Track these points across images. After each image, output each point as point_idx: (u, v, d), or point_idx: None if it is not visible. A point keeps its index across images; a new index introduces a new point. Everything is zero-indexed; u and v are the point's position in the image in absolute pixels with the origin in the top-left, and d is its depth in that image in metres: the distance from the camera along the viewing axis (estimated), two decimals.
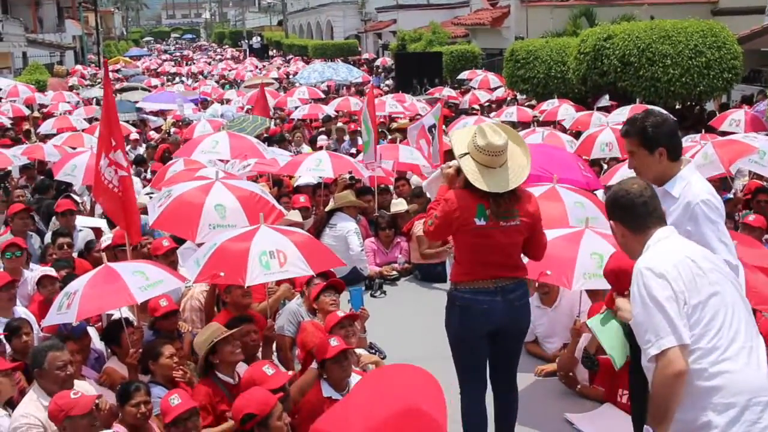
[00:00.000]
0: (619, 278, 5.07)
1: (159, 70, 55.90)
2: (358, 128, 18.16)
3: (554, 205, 7.84)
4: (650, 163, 4.80)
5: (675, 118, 5.78)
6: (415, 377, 2.10)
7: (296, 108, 24.41)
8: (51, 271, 7.67)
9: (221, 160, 12.25)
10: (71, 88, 35.82)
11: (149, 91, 31.46)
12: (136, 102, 26.02)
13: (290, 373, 5.71)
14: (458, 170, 5.42)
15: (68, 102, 27.20)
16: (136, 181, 12.99)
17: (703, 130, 13.46)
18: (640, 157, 4.84)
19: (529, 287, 7.83)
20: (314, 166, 11.52)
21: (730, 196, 11.23)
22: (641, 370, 4.01)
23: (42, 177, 13.73)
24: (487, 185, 5.20)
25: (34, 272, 8.02)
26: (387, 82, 37.70)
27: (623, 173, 9.65)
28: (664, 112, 5.49)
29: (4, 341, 6.30)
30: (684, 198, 4.69)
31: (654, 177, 4.77)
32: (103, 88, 8.17)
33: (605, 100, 20.27)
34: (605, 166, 13.24)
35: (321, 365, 5.79)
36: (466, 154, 5.30)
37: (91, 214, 11.84)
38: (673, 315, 3.69)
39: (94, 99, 29.10)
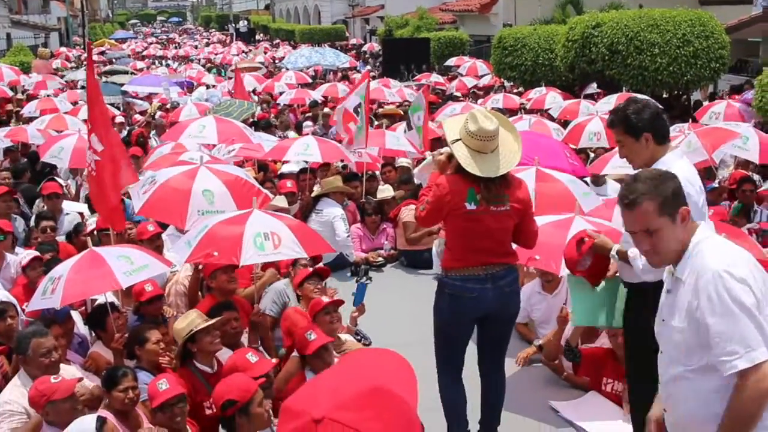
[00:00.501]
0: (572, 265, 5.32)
1: (144, 54, 55.51)
2: None
3: (553, 184, 7.93)
4: (638, 150, 4.85)
5: (659, 105, 5.78)
6: (387, 360, 2.07)
7: (282, 93, 24.34)
8: (35, 254, 7.60)
9: (207, 146, 12.17)
10: (56, 71, 35.53)
11: (135, 74, 31.24)
12: (122, 85, 25.84)
13: (273, 360, 5.68)
14: (450, 156, 5.46)
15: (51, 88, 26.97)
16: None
17: (690, 120, 13.52)
18: (628, 145, 4.89)
19: (521, 273, 7.95)
20: (302, 151, 11.49)
21: (715, 185, 11.28)
22: (646, 378, 3.96)
23: (24, 160, 13.62)
24: (479, 170, 5.25)
25: (18, 256, 7.95)
26: (367, 67, 37.54)
27: (615, 163, 9.75)
28: (647, 98, 5.52)
29: None
30: None
31: (644, 162, 4.82)
32: (87, 70, 8.05)
33: (592, 88, 20.30)
34: (592, 155, 13.26)
35: (302, 358, 5.79)
36: (458, 140, 5.34)
37: (76, 198, 11.77)
38: (764, 323, 3.35)
39: (79, 82, 28.88)
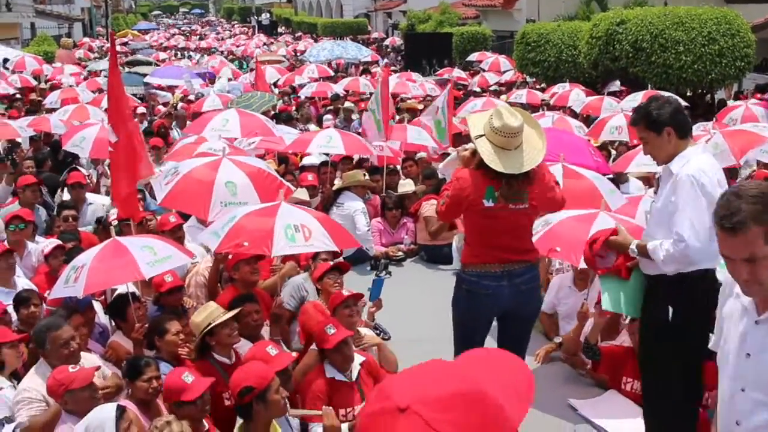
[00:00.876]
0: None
1: (166, 45, 55.71)
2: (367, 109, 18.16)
3: (580, 181, 7.88)
4: (661, 144, 4.90)
5: (681, 100, 5.84)
6: (503, 365, 2.01)
7: (303, 86, 24.35)
8: (57, 243, 7.64)
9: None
10: (79, 61, 35.73)
11: (158, 65, 31.35)
12: (144, 76, 25.93)
13: (294, 354, 5.67)
14: (474, 152, 5.44)
15: (72, 75, 27.13)
16: None
17: (715, 119, 13.42)
18: (651, 141, 4.95)
19: (542, 267, 7.92)
20: (325, 143, 11.52)
21: None
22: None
23: (47, 149, 13.70)
24: (503, 166, 5.23)
25: (39, 244, 8.01)
26: (385, 61, 37.50)
27: (639, 161, 9.74)
28: (670, 94, 5.57)
29: (10, 312, 6.28)
30: (678, 172, 4.77)
31: (668, 156, 4.90)
32: (109, 61, 8.08)
33: (615, 86, 20.19)
34: (614, 152, 13.21)
35: (322, 352, 5.78)
36: (482, 135, 5.33)
37: (96, 188, 11.83)
38: None
39: (102, 72, 29.03)
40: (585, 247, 5.41)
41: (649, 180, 10.41)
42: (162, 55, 40.98)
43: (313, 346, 6.19)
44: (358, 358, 5.91)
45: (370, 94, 22.22)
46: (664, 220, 4.86)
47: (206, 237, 6.77)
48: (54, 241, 7.68)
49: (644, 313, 5.23)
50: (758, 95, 19.19)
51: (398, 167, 12.32)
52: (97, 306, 6.88)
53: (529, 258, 5.52)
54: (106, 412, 4.48)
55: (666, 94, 15.49)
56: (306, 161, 12.90)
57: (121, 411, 4.46)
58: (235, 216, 6.57)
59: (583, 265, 6.54)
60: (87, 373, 4.94)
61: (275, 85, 25.50)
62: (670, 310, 4.94)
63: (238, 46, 49.78)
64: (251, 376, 4.68)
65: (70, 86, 23.03)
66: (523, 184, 5.31)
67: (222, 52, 47.03)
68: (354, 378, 5.79)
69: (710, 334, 5.02)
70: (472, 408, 1.85)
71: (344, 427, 5.39)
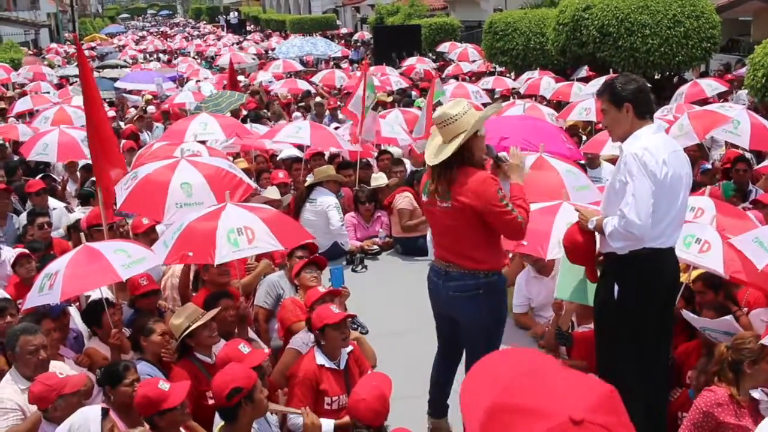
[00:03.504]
0: (575, 249, 5.30)
1: (135, 50, 55.23)
2: (339, 104, 18.16)
3: (548, 174, 7.88)
4: (618, 119, 5.00)
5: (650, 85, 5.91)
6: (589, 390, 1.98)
7: (270, 82, 24.30)
8: (21, 251, 7.58)
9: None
10: (48, 66, 35.38)
11: (128, 65, 31.10)
12: (115, 80, 25.70)
13: (266, 350, 5.66)
14: None
15: (49, 81, 26.87)
16: None
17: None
18: (611, 114, 5.05)
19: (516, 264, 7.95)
20: (293, 133, 11.58)
21: (708, 166, 11.27)
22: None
23: (16, 158, 13.58)
24: (426, 156, 5.28)
25: (10, 252, 7.92)
26: (367, 54, 37.44)
27: (612, 144, 9.81)
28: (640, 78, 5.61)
29: None
30: (626, 151, 4.87)
31: (623, 133, 5.01)
32: (78, 62, 8.06)
33: (583, 71, 20.29)
34: (584, 138, 13.33)
35: (321, 331, 5.73)
36: None
37: (63, 191, 11.78)
38: None
39: (71, 78, 28.76)
40: (570, 232, 5.38)
41: None
42: (131, 52, 40.64)
43: (291, 344, 6.20)
44: (347, 347, 5.95)
45: (341, 89, 22.28)
46: (613, 198, 4.95)
47: (158, 248, 6.71)
48: (18, 250, 7.61)
49: (596, 292, 5.34)
50: (727, 75, 19.39)
51: (371, 161, 12.32)
52: (74, 311, 6.83)
53: (465, 264, 5.21)
54: (90, 412, 4.42)
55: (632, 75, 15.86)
56: (282, 155, 12.90)
57: (105, 412, 4.42)
58: (183, 224, 6.50)
59: (551, 256, 6.61)
60: (79, 378, 4.93)
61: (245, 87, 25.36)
62: (616, 288, 5.02)
63: (208, 46, 49.38)
64: (238, 377, 4.67)
65: (46, 92, 22.84)
66: (443, 183, 5.12)
67: (190, 54, 46.65)
68: (342, 366, 5.82)
69: (665, 316, 5.12)
70: (619, 404, 1.87)
71: (329, 423, 5.42)
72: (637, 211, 4.69)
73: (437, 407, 5.84)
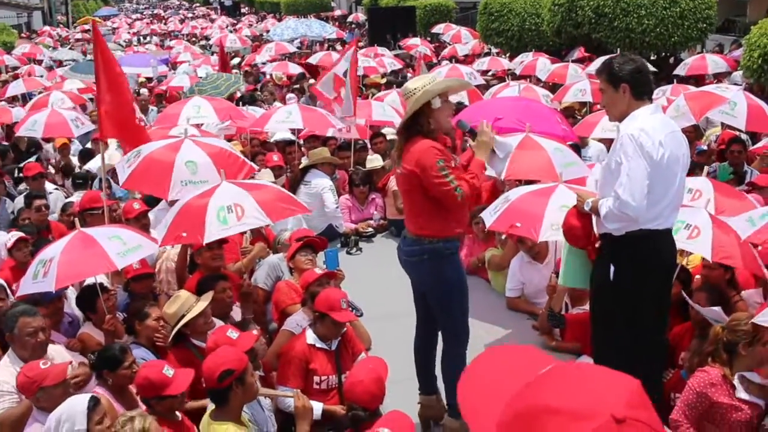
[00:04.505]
0: (573, 233, 5.30)
1: (137, 31, 54.92)
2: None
3: (537, 153, 7.89)
4: (616, 99, 5.00)
5: (649, 65, 5.88)
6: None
7: (264, 64, 24.17)
8: (20, 235, 7.54)
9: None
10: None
11: (122, 47, 30.89)
12: None
13: (255, 332, 5.64)
14: None
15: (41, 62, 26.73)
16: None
17: (675, 81, 13.61)
18: (608, 93, 5.06)
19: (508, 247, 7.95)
20: (284, 118, 11.50)
21: (704, 147, 11.25)
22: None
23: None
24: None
25: (2, 237, 7.89)
26: (357, 33, 37.27)
27: (605, 126, 9.88)
28: (640, 58, 5.58)
29: None
30: (623, 131, 4.86)
31: (620, 114, 5.00)
32: (96, 48, 8.10)
33: (576, 53, 20.26)
34: (580, 119, 13.28)
35: (321, 315, 5.75)
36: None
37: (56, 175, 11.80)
38: None
39: (66, 62, 28.57)
40: (569, 215, 5.38)
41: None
42: (125, 35, 40.45)
43: (285, 326, 6.20)
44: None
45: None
46: (609, 178, 4.94)
47: (160, 229, 6.69)
48: (16, 234, 7.58)
49: (592, 273, 5.35)
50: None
51: (366, 142, 12.28)
52: (71, 294, 6.81)
53: (413, 230, 5.43)
54: (77, 404, 4.36)
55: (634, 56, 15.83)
56: (278, 136, 12.85)
57: (94, 402, 4.36)
58: (181, 204, 6.54)
59: (543, 238, 6.62)
60: (60, 369, 4.84)
61: (239, 66, 25.26)
62: (612, 268, 5.02)
63: (203, 29, 49.12)
64: (228, 359, 4.66)
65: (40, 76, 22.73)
66: (398, 149, 5.42)
67: (185, 36, 46.40)
68: (333, 348, 5.84)
69: (661, 297, 5.11)
70: (647, 398, 1.86)
71: (318, 406, 5.42)
72: (631, 192, 4.69)
73: (424, 383, 5.91)
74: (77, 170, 11.53)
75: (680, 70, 15.48)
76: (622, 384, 1.85)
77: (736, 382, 4.66)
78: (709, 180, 6.87)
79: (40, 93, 16.93)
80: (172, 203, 7.42)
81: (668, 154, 4.77)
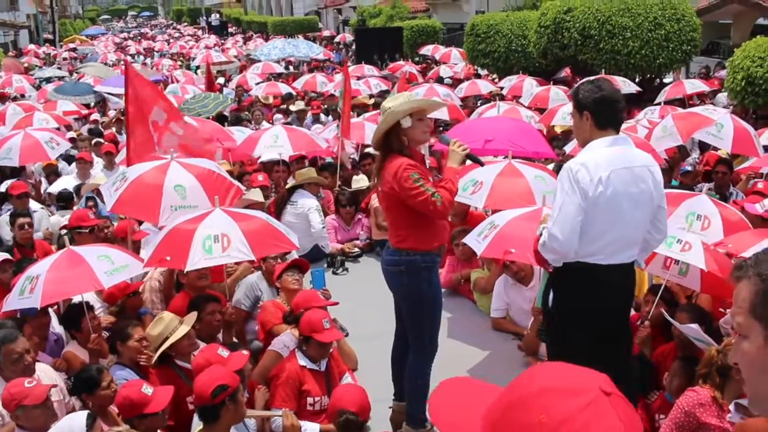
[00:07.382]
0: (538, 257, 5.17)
1: (124, 47, 54.89)
2: (323, 106, 18.14)
3: (517, 180, 7.95)
4: (579, 126, 4.98)
5: (621, 91, 5.88)
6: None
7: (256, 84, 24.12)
8: (5, 256, 7.51)
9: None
10: (27, 69, 35.14)
11: (107, 65, 30.84)
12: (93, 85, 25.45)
13: (245, 352, 5.63)
14: None
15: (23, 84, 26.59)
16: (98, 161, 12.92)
17: (662, 103, 13.71)
18: (575, 119, 5.03)
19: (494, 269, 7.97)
20: (271, 143, 11.48)
21: (689, 168, 11.33)
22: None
23: None
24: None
25: None
26: (349, 54, 37.40)
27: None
28: (620, 83, 5.58)
29: None
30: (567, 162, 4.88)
31: (583, 140, 4.96)
32: (128, 81, 8.25)
33: (562, 73, 20.39)
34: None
35: (306, 339, 5.80)
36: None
37: (39, 194, 11.71)
38: None
39: (53, 79, 28.51)
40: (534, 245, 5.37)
41: None
42: (111, 57, 40.40)
43: (272, 347, 6.17)
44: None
45: (320, 95, 22.08)
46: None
47: (148, 250, 6.67)
48: (2, 255, 7.54)
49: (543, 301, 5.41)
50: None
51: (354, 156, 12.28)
52: (53, 314, 6.78)
53: (392, 242, 5.58)
54: (76, 421, 4.39)
55: (620, 79, 15.94)
56: (264, 158, 12.83)
57: (92, 419, 4.38)
58: (170, 227, 6.50)
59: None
60: (41, 390, 4.80)
61: (224, 86, 25.23)
62: (551, 296, 5.05)
63: (190, 49, 49.08)
64: (221, 376, 4.66)
65: (23, 95, 22.64)
66: (377, 169, 5.58)
67: (171, 56, 46.33)
68: (323, 368, 5.87)
69: (608, 326, 4.94)
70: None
71: (314, 427, 5.42)
72: (561, 227, 4.64)
73: (399, 390, 5.95)
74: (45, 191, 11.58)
75: (660, 98, 15.58)
76: (596, 372, 1.94)
77: (731, 407, 4.63)
78: (711, 201, 6.83)
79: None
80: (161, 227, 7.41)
81: (610, 191, 4.62)
